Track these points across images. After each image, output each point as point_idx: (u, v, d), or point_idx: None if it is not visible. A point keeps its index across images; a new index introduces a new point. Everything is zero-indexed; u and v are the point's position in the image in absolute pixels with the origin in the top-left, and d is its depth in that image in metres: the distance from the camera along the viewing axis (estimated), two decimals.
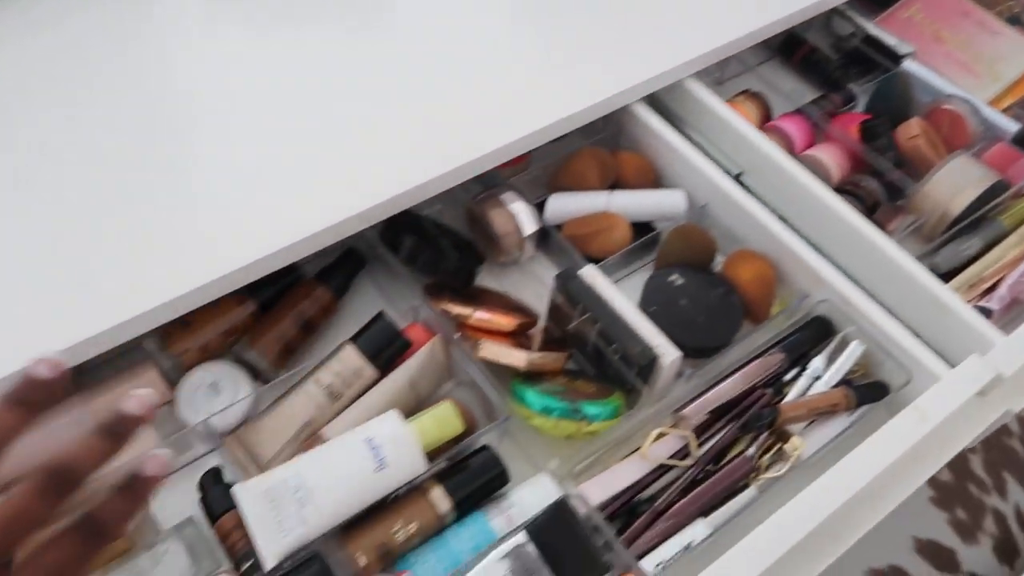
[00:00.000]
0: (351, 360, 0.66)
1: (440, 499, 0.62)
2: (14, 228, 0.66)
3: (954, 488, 1.00)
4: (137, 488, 0.32)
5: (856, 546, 0.83)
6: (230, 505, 0.62)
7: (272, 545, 0.58)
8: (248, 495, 0.59)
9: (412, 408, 0.66)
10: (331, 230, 0.69)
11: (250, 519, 0.58)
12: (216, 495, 0.63)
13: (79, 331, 0.60)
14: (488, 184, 0.80)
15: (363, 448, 0.60)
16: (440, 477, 0.63)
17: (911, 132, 0.88)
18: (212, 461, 0.68)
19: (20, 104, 0.74)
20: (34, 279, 0.63)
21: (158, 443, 0.64)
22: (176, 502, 0.65)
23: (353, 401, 0.66)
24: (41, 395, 0.31)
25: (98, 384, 0.66)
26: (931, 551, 0.93)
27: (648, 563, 0.60)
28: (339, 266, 0.75)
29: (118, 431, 0.32)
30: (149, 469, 0.32)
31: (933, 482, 0.99)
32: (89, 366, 0.71)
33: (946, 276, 0.77)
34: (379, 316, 0.68)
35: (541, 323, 0.75)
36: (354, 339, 0.67)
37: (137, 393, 0.32)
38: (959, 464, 1.03)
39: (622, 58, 0.83)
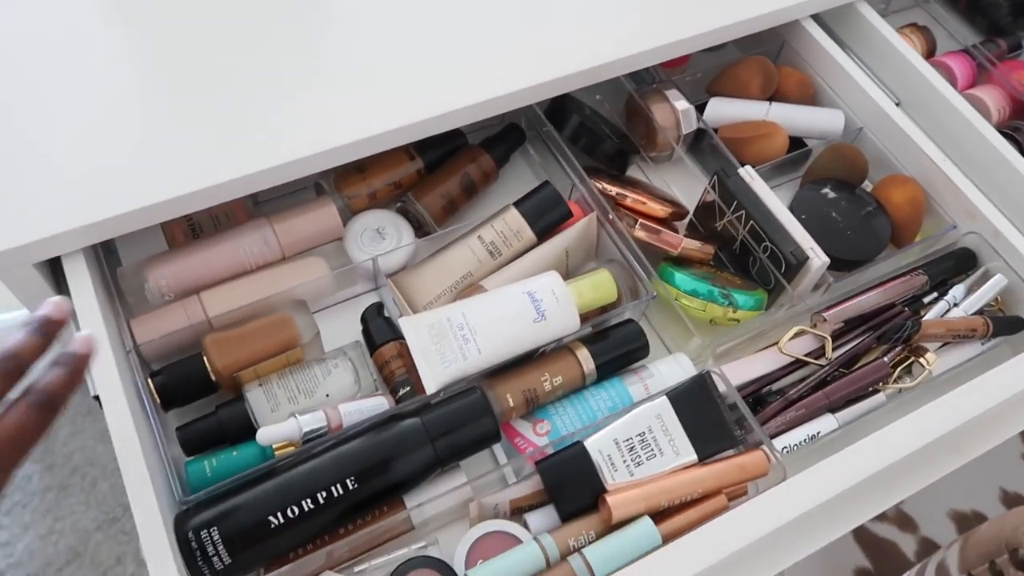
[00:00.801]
0: (514, 221, 0.71)
1: (586, 359, 0.66)
2: (223, 71, 0.70)
3: None
4: (71, 362, 0.38)
5: (942, 486, 0.86)
6: (389, 337, 0.68)
7: (434, 373, 0.63)
8: (415, 327, 0.64)
9: (563, 276, 0.70)
10: (498, 100, 0.71)
11: (415, 348, 0.64)
12: (378, 327, 0.69)
13: (269, 160, 0.65)
14: (648, 81, 0.82)
15: (525, 299, 0.65)
16: (586, 341, 0.67)
17: None
18: (372, 299, 0.73)
19: None
20: (236, 115, 0.67)
21: (327, 273, 0.70)
22: (340, 330, 0.71)
23: (511, 260, 0.71)
24: (55, 328, 0.39)
25: (286, 209, 0.71)
26: (1015, 503, 0.95)
27: (776, 444, 0.64)
28: (502, 138, 0.79)
29: (46, 330, 0.38)
30: (80, 347, 0.39)
31: None
32: (274, 196, 0.77)
33: None
34: (545, 184, 0.72)
35: (687, 219, 0.77)
36: (518, 203, 0.71)
37: (53, 300, 0.39)
38: None
39: None
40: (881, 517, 0.91)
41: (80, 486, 1.28)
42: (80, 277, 0.62)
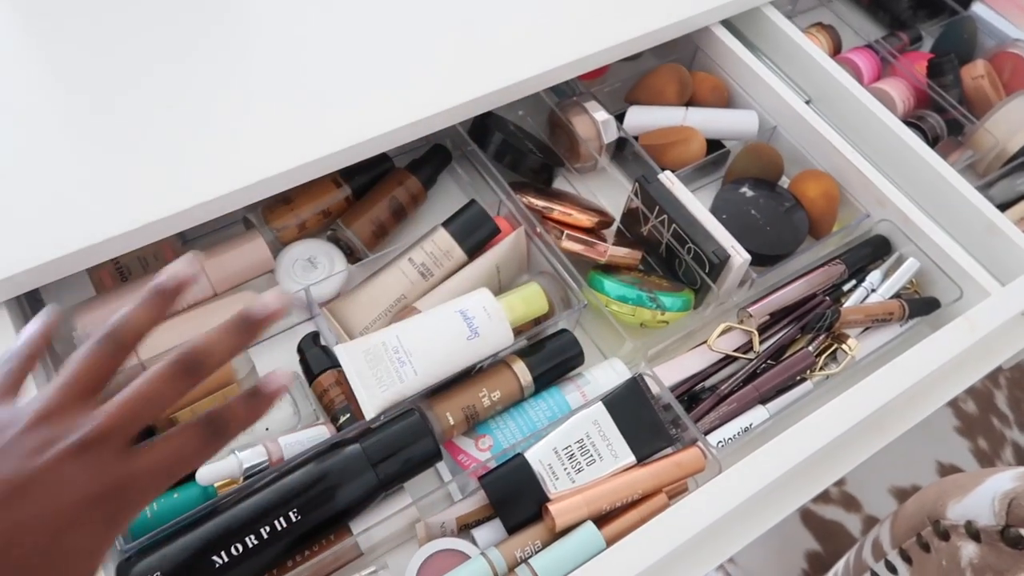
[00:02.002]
0: (443, 241, 0.72)
1: (523, 372, 0.67)
2: (142, 106, 0.70)
3: (978, 419, 1.06)
4: (259, 400, 0.37)
5: (882, 464, 0.89)
6: (326, 366, 0.68)
7: (372, 398, 0.63)
8: (350, 353, 0.65)
9: (495, 292, 0.71)
10: (422, 122, 0.73)
11: (352, 375, 0.64)
12: (314, 356, 0.69)
13: (195, 197, 0.65)
14: (568, 94, 0.84)
15: (457, 318, 0.66)
16: (522, 354, 0.68)
17: (976, 72, 0.91)
18: (308, 328, 0.73)
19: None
20: (160, 151, 0.67)
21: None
22: (276, 362, 0.71)
23: (443, 280, 0.72)
24: (175, 293, 0.37)
25: (215, 246, 0.71)
26: (951, 474, 0.99)
27: (711, 440, 0.65)
28: (428, 160, 0.80)
29: (249, 328, 0.36)
30: (272, 386, 0.37)
31: (958, 412, 1.05)
32: (200, 234, 0.77)
33: (999, 209, 0.81)
34: (471, 203, 0.73)
35: (614, 226, 0.79)
36: (446, 223, 0.72)
37: (268, 295, 0.37)
38: (984, 398, 1.08)
39: None
40: (826, 499, 0.94)
41: None
42: (4, 330, 0.61)
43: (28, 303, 0.66)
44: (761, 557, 0.90)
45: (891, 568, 0.62)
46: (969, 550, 0.52)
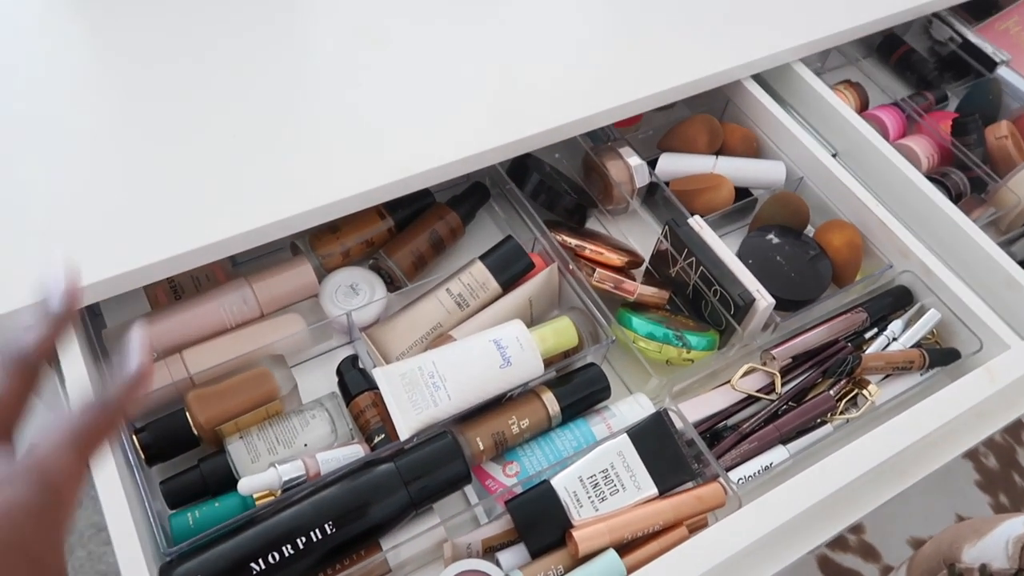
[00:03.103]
0: (480, 274, 0.75)
1: (551, 402, 0.70)
2: (203, 137, 0.75)
3: (999, 475, 1.06)
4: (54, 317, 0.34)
5: (902, 515, 0.90)
6: (363, 388, 0.71)
7: (407, 420, 0.66)
8: (387, 376, 0.68)
9: (527, 324, 0.74)
10: (463, 161, 0.76)
11: (388, 397, 0.67)
12: (352, 378, 0.72)
13: (247, 223, 0.69)
14: (603, 140, 0.88)
15: (491, 347, 0.69)
16: (551, 385, 0.71)
17: (1000, 132, 0.94)
18: (348, 351, 0.77)
19: (202, 32, 0.83)
20: (217, 179, 0.72)
21: (304, 329, 0.74)
22: (317, 383, 0.74)
23: (478, 311, 0.75)
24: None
25: (264, 269, 0.75)
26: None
27: (732, 476, 0.67)
28: (468, 196, 0.84)
29: (51, 311, 0.34)
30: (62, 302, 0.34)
31: (979, 467, 1.05)
32: (250, 257, 0.81)
33: (1021, 266, 0.83)
34: (508, 238, 0.76)
35: (643, 267, 0.82)
36: (484, 257, 0.76)
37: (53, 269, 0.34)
38: (1005, 454, 1.08)
39: (736, 38, 0.90)
40: (844, 547, 0.95)
41: None
42: (67, 340, 0.64)
43: (89, 317, 0.70)
44: None
45: None
46: None
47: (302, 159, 0.74)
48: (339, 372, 0.73)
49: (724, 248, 0.76)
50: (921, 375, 0.75)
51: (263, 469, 0.64)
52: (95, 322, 0.72)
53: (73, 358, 0.64)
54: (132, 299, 0.73)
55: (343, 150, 0.75)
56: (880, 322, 0.78)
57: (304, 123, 0.77)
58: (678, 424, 0.67)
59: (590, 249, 0.77)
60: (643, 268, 0.83)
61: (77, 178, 0.70)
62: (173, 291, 0.75)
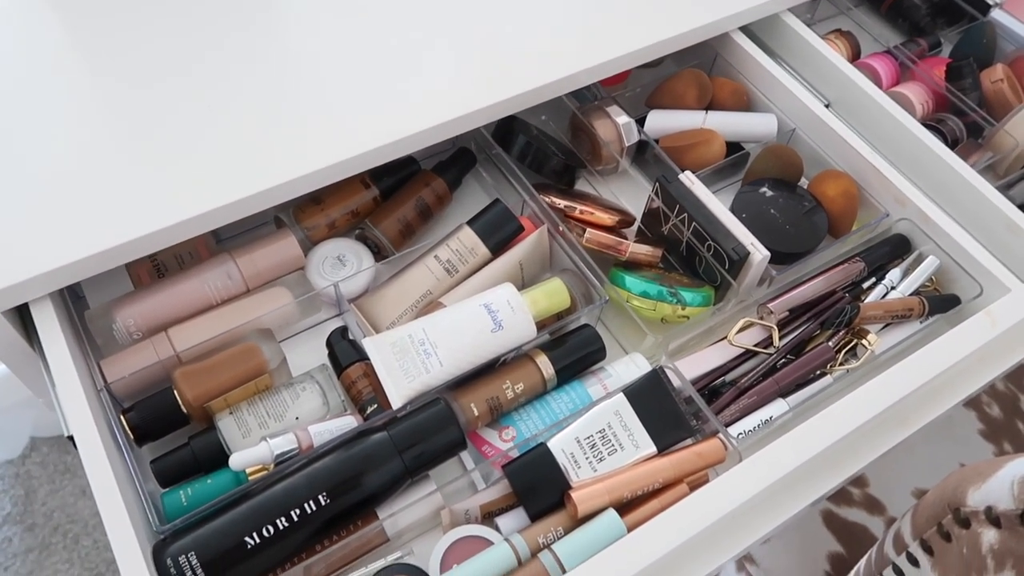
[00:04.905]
0: (468, 239, 0.73)
1: (545, 365, 0.69)
2: (179, 109, 0.73)
3: (1003, 424, 1.05)
4: None
5: (905, 467, 0.89)
6: (354, 359, 0.70)
7: (398, 388, 0.65)
8: (378, 346, 0.67)
9: (518, 288, 0.73)
10: (447, 125, 0.74)
11: (379, 365, 0.66)
12: (342, 349, 0.71)
13: (228, 196, 0.67)
14: (590, 99, 0.86)
15: (482, 311, 0.67)
16: (545, 348, 0.70)
17: (995, 76, 0.92)
18: (337, 324, 0.75)
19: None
20: (195, 152, 0.70)
21: (291, 301, 0.72)
22: (307, 356, 0.73)
23: (468, 277, 0.73)
24: None
25: (248, 243, 0.74)
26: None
27: (732, 431, 0.66)
28: (454, 162, 0.82)
29: None
30: None
31: (983, 416, 1.04)
32: (234, 232, 0.80)
33: (1020, 209, 0.82)
34: (496, 202, 0.75)
35: (635, 225, 0.81)
36: (471, 222, 0.74)
37: None
38: (1009, 402, 1.07)
39: None
40: (849, 501, 0.94)
41: (62, 544, 1.28)
42: (48, 321, 0.63)
43: (70, 296, 0.69)
44: (783, 558, 0.90)
45: (913, 561, 0.62)
46: (990, 536, 0.52)
47: (282, 130, 0.72)
48: (329, 344, 0.72)
49: (716, 202, 0.75)
50: (921, 323, 0.74)
51: (254, 444, 0.63)
52: (77, 304, 0.71)
53: (56, 340, 0.62)
54: (115, 280, 0.72)
55: (323, 119, 0.73)
56: (878, 271, 0.76)
57: (283, 93, 0.75)
58: (675, 382, 0.66)
59: (580, 209, 0.75)
60: (635, 228, 0.81)
61: (53, 156, 0.69)
62: (156, 270, 0.73)
